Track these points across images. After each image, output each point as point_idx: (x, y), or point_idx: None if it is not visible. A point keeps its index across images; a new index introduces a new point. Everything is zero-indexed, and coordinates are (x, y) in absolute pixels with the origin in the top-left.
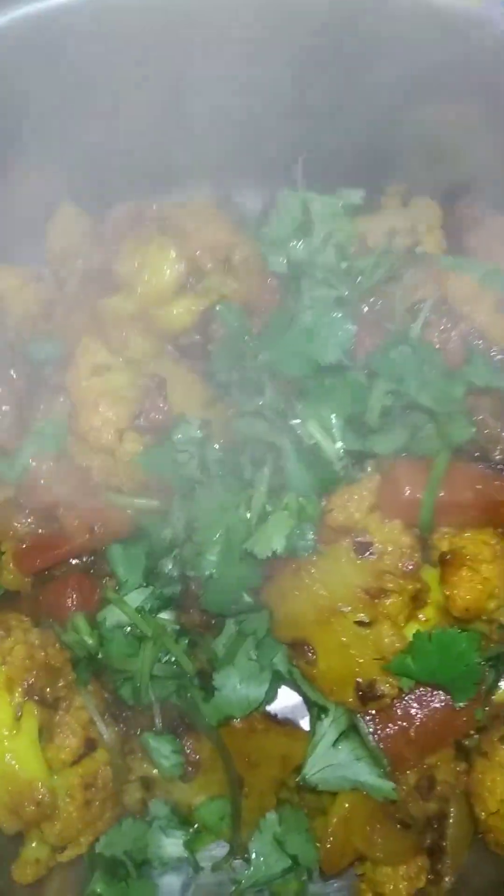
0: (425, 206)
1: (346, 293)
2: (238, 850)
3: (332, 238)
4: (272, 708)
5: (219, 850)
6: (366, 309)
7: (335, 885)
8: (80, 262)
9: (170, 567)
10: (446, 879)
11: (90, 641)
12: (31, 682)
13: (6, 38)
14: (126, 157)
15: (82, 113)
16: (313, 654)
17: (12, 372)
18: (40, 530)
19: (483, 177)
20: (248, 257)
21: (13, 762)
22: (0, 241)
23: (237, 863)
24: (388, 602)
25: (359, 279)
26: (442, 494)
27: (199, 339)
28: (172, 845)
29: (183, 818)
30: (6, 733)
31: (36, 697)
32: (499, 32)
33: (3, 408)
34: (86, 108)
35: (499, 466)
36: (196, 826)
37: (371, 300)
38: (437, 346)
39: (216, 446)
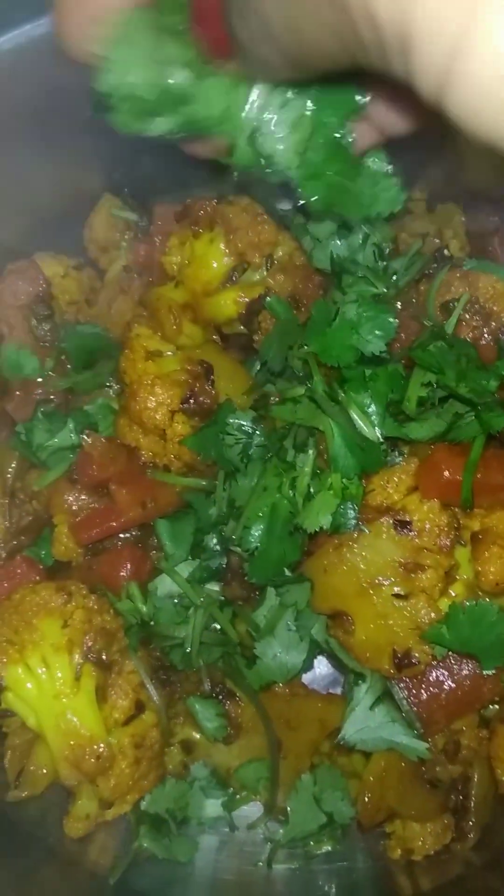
0: (449, 211)
1: (384, 290)
2: (274, 810)
3: (371, 238)
4: (306, 680)
5: (253, 811)
6: (400, 305)
7: (361, 844)
8: (122, 253)
9: (214, 542)
10: (470, 836)
11: (143, 609)
12: (89, 644)
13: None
14: (169, 155)
15: None
16: (352, 624)
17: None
18: (93, 505)
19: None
20: (292, 253)
21: (74, 719)
22: (44, 231)
23: (271, 823)
24: (424, 577)
25: (394, 278)
26: (478, 476)
27: (244, 330)
28: (212, 805)
29: (221, 780)
30: (68, 691)
31: (93, 659)
32: None
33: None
34: None
35: None
36: (233, 788)
37: (405, 298)
38: (471, 342)
39: (259, 432)
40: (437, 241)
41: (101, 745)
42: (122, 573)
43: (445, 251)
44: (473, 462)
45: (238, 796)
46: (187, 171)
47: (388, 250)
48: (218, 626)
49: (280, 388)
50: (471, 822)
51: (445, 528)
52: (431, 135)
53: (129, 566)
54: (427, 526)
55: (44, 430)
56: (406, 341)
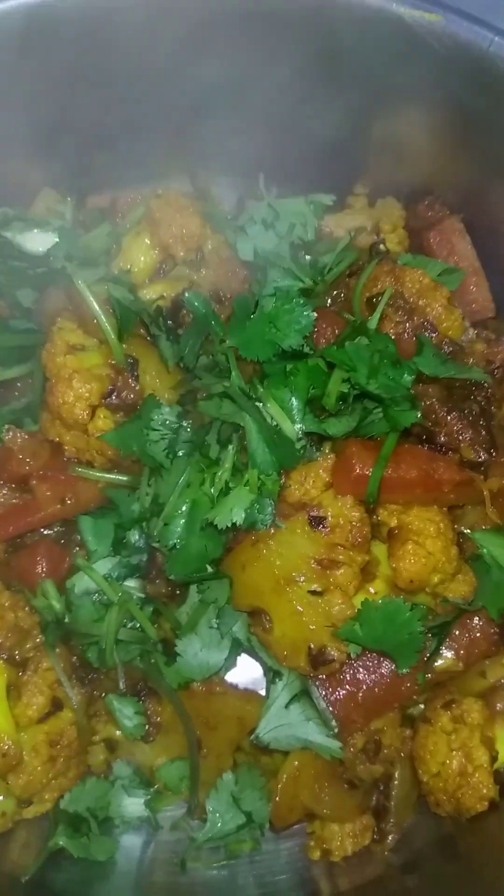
0: (389, 206)
1: (310, 284)
2: (196, 809)
3: (296, 231)
4: (236, 679)
5: (177, 810)
6: (329, 301)
7: (287, 844)
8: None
9: (137, 538)
10: (390, 838)
11: (58, 606)
12: (0, 641)
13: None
14: (109, 147)
15: (70, 102)
16: (269, 621)
17: None
18: (14, 500)
19: (443, 180)
20: (218, 247)
21: None
22: None
23: (194, 822)
24: (338, 573)
25: (323, 272)
26: (390, 472)
27: (170, 324)
28: (134, 805)
29: (145, 779)
30: None
31: (5, 657)
32: (457, 44)
33: None
34: (73, 97)
35: (442, 448)
36: (157, 787)
37: (334, 293)
38: (393, 337)
39: (187, 427)
40: (376, 235)
41: (7, 741)
42: (38, 570)
43: (382, 246)
44: (384, 457)
45: (162, 795)
46: (122, 166)
47: (316, 244)
48: (137, 624)
49: (205, 383)
50: (391, 823)
51: (358, 525)
52: (374, 130)
53: (44, 563)
54: (341, 522)
55: None
56: (333, 336)
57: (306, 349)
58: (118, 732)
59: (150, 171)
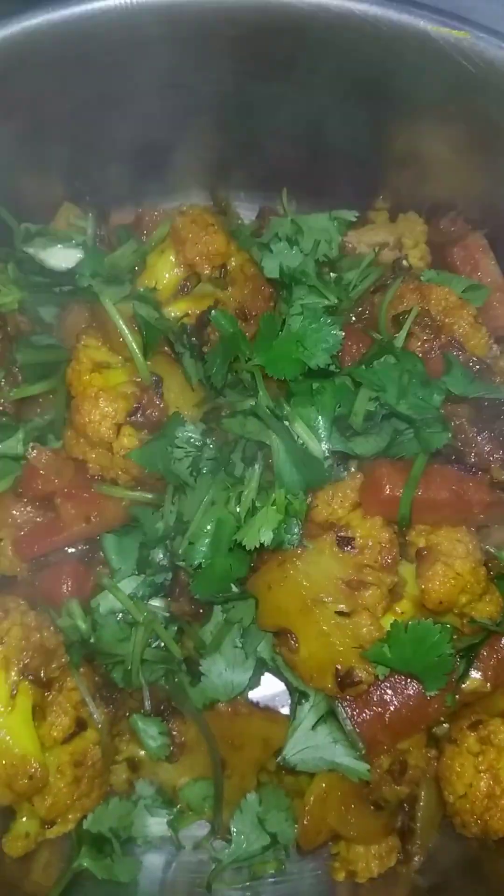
0: (411, 221)
1: (335, 302)
2: (219, 829)
3: (321, 249)
4: (255, 696)
5: (200, 830)
6: (353, 318)
7: (311, 865)
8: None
9: (161, 556)
10: (416, 859)
11: (83, 626)
12: (26, 662)
13: (22, 42)
14: (131, 162)
15: (92, 117)
16: (296, 641)
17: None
18: (38, 518)
19: (465, 195)
20: (243, 264)
21: (7, 737)
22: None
23: (217, 842)
24: (367, 594)
25: (348, 289)
26: (420, 493)
27: (195, 342)
28: (157, 824)
29: (167, 798)
30: (1, 710)
31: (31, 677)
32: (483, 61)
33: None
34: (96, 112)
35: (473, 469)
36: (179, 806)
37: (359, 310)
38: (420, 355)
39: (210, 445)
40: (398, 251)
41: (35, 764)
42: (63, 589)
43: (404, 262)
44: (414, 479)
45: (184, 815)
46: (147, 182)
47: (340, 261)
48: (162, 644)
49: (230, 401)
50: (417, 844)
51: (387, 546)
52: (396, 144)
53: (70, 582)
54: (369, 543)
55: None
56: (358, 354)
57: (333, 367)
58: (141, 752)
59: (170, 185)
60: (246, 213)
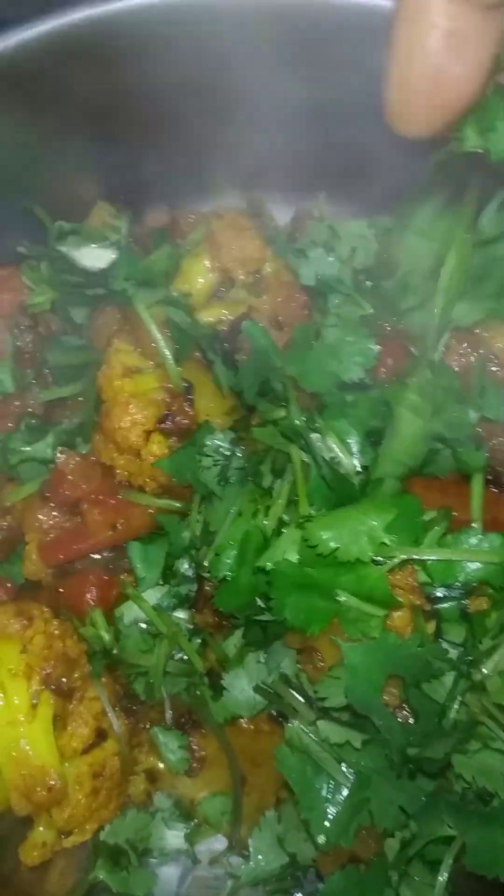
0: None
1: (371, 311)
2: (236, 845)
3: (357, 256)
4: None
5: (216, 844)
6: (388, 328)
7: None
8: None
9: (186, 567)
10: None
11: (106, 637)
12: (48, 671)
13: (58, 37)
14: (164, 161)
15: (125, 115)
16: (321, 660)
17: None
18: (65, 524)
19: None
20: (278, 270)
21: (27, 748)
22: (34, 238)
23: (234, 858)
24: (396, 615)
25: (384, 298)
26: (455, 514)
27: (227, 348)
28: (173, 837)
29: (185, 812)
30: (22, 719)
31: (52, 686)
32: None
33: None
34: (128, 110)
35: None
36: (197, 820)
37: (395, 320)
38: (457, 370)
39: (239, 454)
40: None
41: (54, 776)
42: (86, 598)
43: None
44: (477, 502)
45: (201, 829)
46: (181, 181)
47: (376, 269)
48: (185, 656)
49: (261, 410)
50: None
51: (419, 567)
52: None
53: (94, 591)
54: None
55: (22, 441)
56: (394, 366)
57: (367, 381)
58: (160, 764)
59: (204, 186)
60: (281, 215)
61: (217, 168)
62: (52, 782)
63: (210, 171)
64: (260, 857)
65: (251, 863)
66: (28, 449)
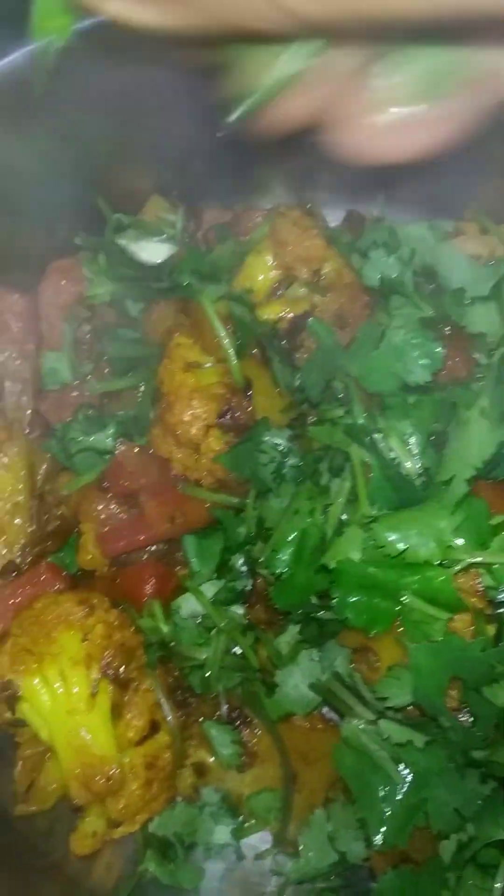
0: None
1: (431, 314)
2: (283, 842)
3: (419, 259)
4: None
5: (262, 841)
6: (448, 330)
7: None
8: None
9: (241, 562)
10: None
11: (165, 629)
12: (108, 660)
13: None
14: (215, 158)
15: (180, 111)
16: (377, 660)
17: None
18: (122, 515)
19: None
20: (340, 270)
21: (87, 736)
22: (90, 231)
23: (280, 856)
24: (457, 618)
25: (443, 301)
26: None
27: (286, 346)
28: (220, 832)
29: (232, 806)
30: (83, 707)
31: (111, 675)
32: None
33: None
34: (185, 107)
35: None
36: (244, 815)
37: (454, 322)
38: None
39: (296, 452)
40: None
41: (113, 766)
42: (145, 589)
43: None
44: None
45: (247, 825)
46: (238, 177)
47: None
48: (239, 651)
49: (321, 409)
50: None
51: (484, 571)
52: (483, 153)
53: (152, 582)
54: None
55: (80, 432)
56: (454, 368)
57: (430, 383)
58: (209, 758)
59: (255, 184)
60: (331, 216)
61: (268, 168)
62: (112, 771)
63: (261, 170)
64: (310, 854)
65: (301, 860)
66: (88, 439)
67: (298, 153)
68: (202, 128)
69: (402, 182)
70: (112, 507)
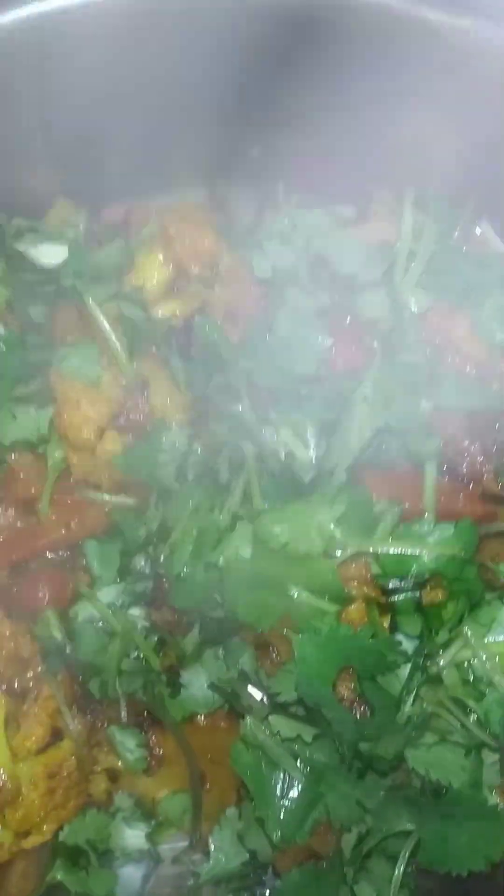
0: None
1: (328, 303)
2: (198, 843)
3: (314, 246)
4: None
5: (179, 843)
6: (349, 319)
7: None
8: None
9: (142, 564)
10: None
11: (59, 636)
12: (0, 671)
13: (5, 36)
14: (123, 156)
15: (81, 111)
16: (278, 655)
17: None
18: (18, 523)
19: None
20: (234, 264)
21: None
22: None
23: (196, 856)
24: (351, 608)
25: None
26: (407, 505)
27: (183, 343)
28: (135, 837)
29: (146, 811)
30: None
31: (3, 687)
32: (482, 41)
33: None
34: (85, 106)
35: (464, 481)
36: (158, 819)
37: (354, 311)
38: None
39: (198, 450)
40: None
41: (4, 775)
42: (40, 596)
43: None
44: (430, 494)
45: (163, 828)
46: (139, 176)
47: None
48: (141, 654)
49: (218, 405)
50: None
51: (372, 559)
52: (399, 136)
53: (47, 590)
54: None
55: None
56: (353, 357)
57: (320, 373)
58: (120, 763)
59: (167, 180)
60: (247, 208)
61: (180, 163)
62: (2, 782)
63: (173, 166)
64: (220, 854)
65: (211, 861)
66: None
67: (211, 147)
68: (112, 127)
69: (312, 169)
70: (8, 514)
